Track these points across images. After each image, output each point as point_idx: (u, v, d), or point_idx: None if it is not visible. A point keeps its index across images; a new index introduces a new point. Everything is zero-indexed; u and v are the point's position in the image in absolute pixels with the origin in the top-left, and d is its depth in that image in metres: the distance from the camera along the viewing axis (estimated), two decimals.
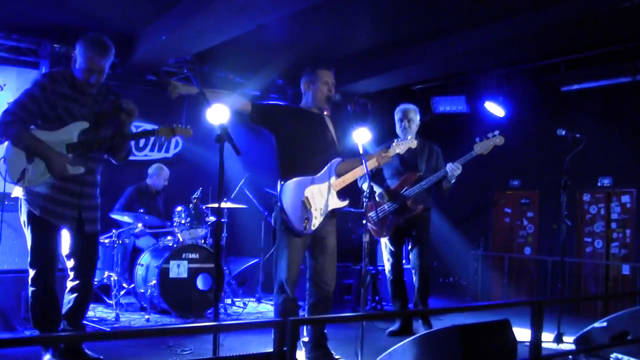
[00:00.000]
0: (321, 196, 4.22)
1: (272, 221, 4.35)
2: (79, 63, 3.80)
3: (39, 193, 3.74)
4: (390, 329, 5.52)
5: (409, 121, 5.46)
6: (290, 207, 4.12)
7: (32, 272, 3.77)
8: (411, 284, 5.77)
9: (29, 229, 3.77)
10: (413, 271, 5.60)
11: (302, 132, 4.24)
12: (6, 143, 3.74)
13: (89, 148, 3.84)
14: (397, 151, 4.46)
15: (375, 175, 5.49)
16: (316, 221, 4.19)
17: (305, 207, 4.14)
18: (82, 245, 3.93)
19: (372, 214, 5.37)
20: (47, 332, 3.77)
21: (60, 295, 3.92)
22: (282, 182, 4.17)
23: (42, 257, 3.76)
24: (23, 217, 3.81)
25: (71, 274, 3.95)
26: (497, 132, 5.12)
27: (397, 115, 5.56)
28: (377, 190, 5.39)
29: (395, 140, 4.55)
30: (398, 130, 5.52)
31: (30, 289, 3.78)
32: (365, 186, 5.45)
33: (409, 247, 5.62)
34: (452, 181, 5.28)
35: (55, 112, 3.74)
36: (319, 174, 4.23)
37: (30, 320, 3.86)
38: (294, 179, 4.16)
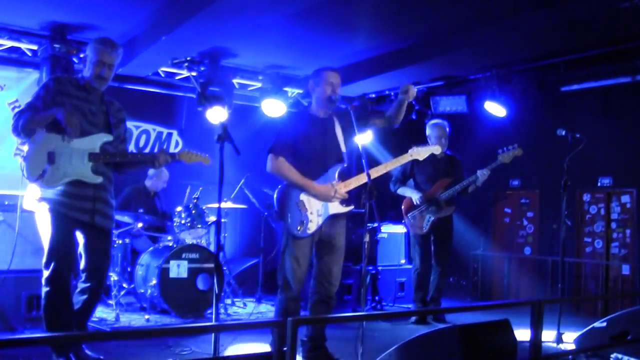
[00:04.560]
0: (319, 200, 4.23)
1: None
2: (90, 60, 3.95)
3: (56, 192, 3.80)
4: (413, 318, 6.19)
5: (445, 139, 6.13)
6: (284, 210, 4.19)
7: (46, 273, 3.77)
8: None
9: (46, 226, 3.79)
10: (434, 270, 6.25)
11: (303, 137, 4.25)
12: (26, 146, 3.84)
13: (111, 159, 3.96)
14: (417, 157, 4.56)
15: (406, 180, 6.32)
16: (312, 224, 4.19)
17: (300, 210, 4.17)
18: (95, 241, 3.94)
19: (411, 214, 6.22)
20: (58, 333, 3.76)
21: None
22: (280, 186, 4.24)
23: (59, 255, 3.77)
24: (41, 216, 3.84)
25: (83, 275, 3.95)
26: (516, 145, 5.80)
27: (430, 130, 6.22)
28: (415, 195, 6.16)
29: (413, 147, 4.58)
30: (433, 144, 5.96)
31: (44, 289, 3.77)
32: (400, 191, 6.28)
33: (433, 246, 6.26)
34: (479, 185, 5.98)
35: (63, 108, 3.82)
36: (319, 179, 4.25)
37: (43, 322, 3.83)
38: (284, 186, 4.23)
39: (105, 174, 3.96)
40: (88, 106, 3.94)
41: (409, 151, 4.56)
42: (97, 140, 3.92)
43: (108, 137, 3.96)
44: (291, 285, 4.16)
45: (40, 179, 3.74)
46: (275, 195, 4.29)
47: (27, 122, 3.78)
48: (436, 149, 4.67)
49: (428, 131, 6.25)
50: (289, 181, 4.22)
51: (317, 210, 4.23)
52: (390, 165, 4.49)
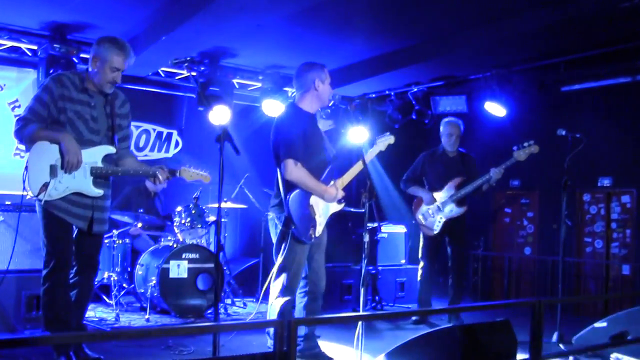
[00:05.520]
0: (323, 202, 4.22)
1: (277, 227, 4.26)
2: (105, 64, 3.83)
3: (57, 199, 3.76)
4: (414, 318, 6.05)
5: (457, 137, 6.09)
6: (299, 218, 4.09)
7: (45, 270, 3.77)
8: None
9: (45, 226, 3.78)
10: (450, 273, 6.13)
11: (307, 137, 4.20)
12: (27, 155, 3.78)
13: (113, 175, 3.93)
14: (381, 148, 4.54)
15: (417, 179, 6.23)
16: (320, 227, 4.19)
17: (310, 215, 4.13)
18: (87, 243, 3.94)
19: (422, 214, 6.11)
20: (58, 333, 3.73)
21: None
22: (289, 192, 4.12)
23: (57, 253, 3.76)
24: (40, 217, 3.82)
25: (72, 270, 3.93)
26: (532, 142, 5.62)
27: (443, 128, 6.16)
28: (426, 195, 6.07)
29: (377, 137, 4.60)
30: (445, 142, 6.14)
31: (43, 286, 3.76)
32: (411, 190, 6.20)
33: (448, 248, 6.12)
34: (493, 184, 5.87)
35: (65, 115, 3.79)
36: (321, 179, 4.22)
37: (42, 320, 3.82)
38: (299, 190, 4.12)
39: (104, 183, 3.94)
40: (90, 111, 3.87)
41: (375, 144, 4.57)
42: (100, 153, 3.87)
43: (110, 150, 3.91)
44: (293, 291, 4.16)
45: (43, 192, 3.69)
46: (290, 203, 4.10)
47: (32, 135, 3.72)
48: (390, 139, 4.55)
49: (441, 129, 6.19)
50: (308, 187, 4.11)
51: (323, 212, 4.23)
52: (367, 158, 4.44)
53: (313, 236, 4.13)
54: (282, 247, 4.16)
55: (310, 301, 4.31)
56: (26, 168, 3.75)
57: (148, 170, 4.03)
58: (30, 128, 3.73)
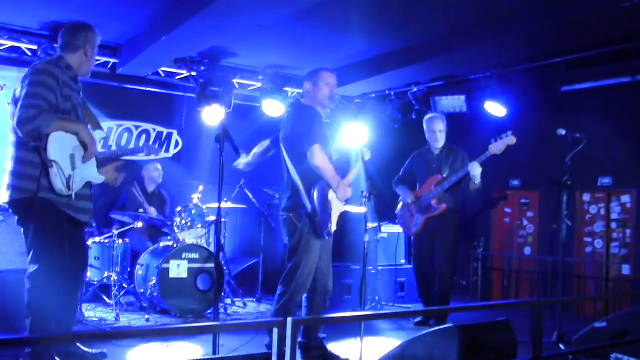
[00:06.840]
0: (335, 199, 4.23)
1: (291, 226, 4.23)
2: (92, 48, 3.85)
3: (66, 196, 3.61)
4: (416, 320, 5.96)
5: (436, 132, 5.98)
6: (321, 212, 4.09)
7: (33, 267, 3.57)
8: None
9: (53, 227, 3.56)
10: (436, 274, 5.97)
11: (324, 132, 4.26)
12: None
13: (113, 157, 3.95)
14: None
15: (407, 179, 6.20)
16: (333, 225, 4.20)
17: (328, 210, 4.14)
18: (80, 237, 3.89)
19: (401, 213, 6.14)
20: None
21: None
22: (313, 186, 4.10)
23: (54, 252, 3.58)
24: (47, 215, 3.58)
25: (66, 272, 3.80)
26: (509, 133, 5.53)
27: (426, 125, 6.09)
28: (404, 194, 6.06)
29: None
30: (428, 139, 6.09)
31: (27, 286, 3.58)
32: (397, 190, 6.16)
33: (435, 249, 5.98)
34: (478, 181, 5.67)
35: (70, 103, 3.67)
36: None
37: (27, 326, 3.61)
38: (322, 183, 4.11)
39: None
40: (77, 99, 3.79)
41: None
42: (98, 139, 3.86)
43: (103, 135, 3.93)
44: (304, 289, 4.15)
45: (69, 188, 3.52)
46: (315, 196, 4.09)
47: (51, 125, 3.46)
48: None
49: (424, 126, 6.14)
50: (328, 177, 4.10)
51: (335, 209, 4.24)
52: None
53: (329, 233, 4.14)
54: (299, 246, 4.15)
55: (319, 301, 4.30)
56: (53, 162, 3.47)
57: (130, 148, 4.05)
58: (48, 117, 3.45)
